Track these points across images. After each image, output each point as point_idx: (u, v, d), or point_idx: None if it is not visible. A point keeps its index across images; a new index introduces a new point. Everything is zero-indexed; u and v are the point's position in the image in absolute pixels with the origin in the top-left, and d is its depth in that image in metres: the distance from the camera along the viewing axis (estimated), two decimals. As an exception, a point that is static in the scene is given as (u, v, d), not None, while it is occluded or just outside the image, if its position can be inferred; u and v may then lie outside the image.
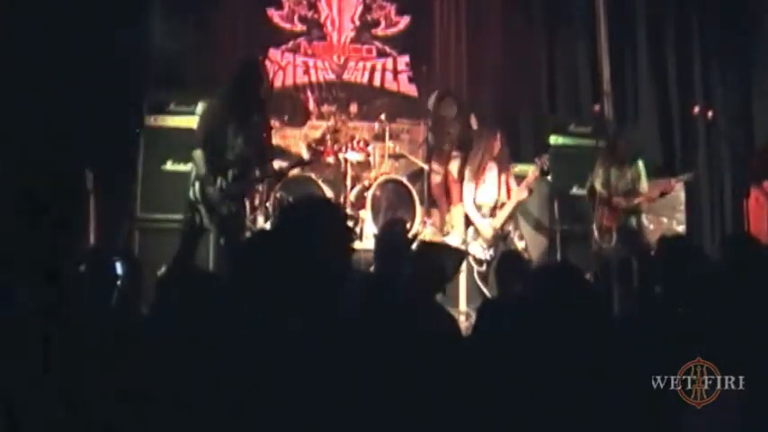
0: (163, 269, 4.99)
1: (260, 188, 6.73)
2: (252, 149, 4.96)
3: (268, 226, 6.46)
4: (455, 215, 7.07)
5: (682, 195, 7.17)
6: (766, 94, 7.74)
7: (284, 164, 7.14)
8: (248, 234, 5.57)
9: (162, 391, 1.94)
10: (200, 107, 5.70)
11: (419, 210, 6.79)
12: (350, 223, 5.74)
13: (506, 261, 4.24)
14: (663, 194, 6.56)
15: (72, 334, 2.48)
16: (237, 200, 4.95)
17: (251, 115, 4.97)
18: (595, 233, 6.22)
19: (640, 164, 6.40)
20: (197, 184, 4.90)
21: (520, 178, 6.52)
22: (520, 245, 6.12)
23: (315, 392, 1.78)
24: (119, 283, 3.43)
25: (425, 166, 7.26)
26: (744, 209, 6.63)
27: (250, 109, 4.96)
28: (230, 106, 4.95)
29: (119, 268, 3.51)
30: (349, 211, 6.54)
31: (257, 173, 5.10)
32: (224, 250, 5.09)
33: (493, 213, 6.14)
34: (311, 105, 7.75)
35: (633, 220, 6.30)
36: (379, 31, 8.10)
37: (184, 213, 5.00)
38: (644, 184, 6.36)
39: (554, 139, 7.10)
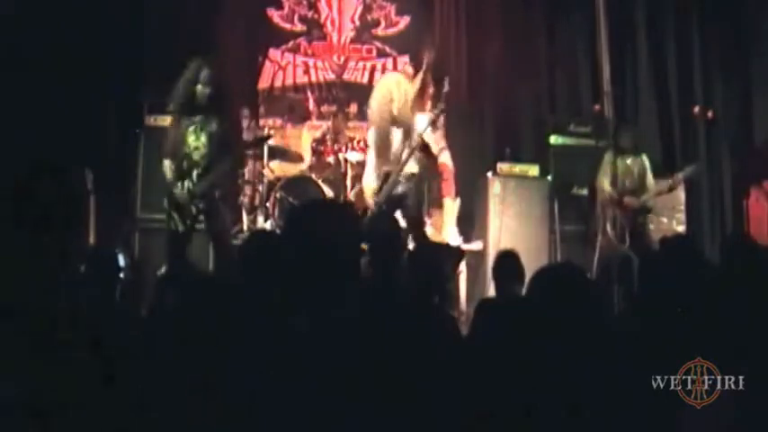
0: (162, 269, 5.00)
1: (259, 188, 6.75)
2: (215, 147, 4.98)
3: (268, 226, 6.47)
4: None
5: (682, 195, 7.17)
6: (766, 94, 7.74)
7: (284, 164, 7.17)
8: (249, 233, 5.57)
9: (163, 391, 1.95)
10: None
11: (418, 210, 6.77)
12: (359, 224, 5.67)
13: (504, 261, 4.22)
14: (671, 189, 6.45)
15: (75, 330, 2.48)
16: (205, 198, 4.97)
17: (209, 115, 4.97)
18: (609, 234, 6.15)
19: (645, 158, 6.36)
20: (167, 193, 4.99)
21: (519, 177, 6.54)
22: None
23: (312, 392, 1.78)
24: (121, 275, 3.44)
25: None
26: (744, 209, 6.62)
27: (207, 109, 4.97)
28: (186, 110, 4.99)
29: (121, 260, 3.52)
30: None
31: (223, 168, 5.12)
32: (212, 251, 5.13)
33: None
34: (311, 105, 7.77)
35: (645, 220, 6.24)
36: (379, 31, 8.10)
37: (165, 224, 5.04)
38: (650, 179, 6.31)
39: (554, 139, 7.10)
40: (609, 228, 6.17)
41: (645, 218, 6.27)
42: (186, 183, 4.93)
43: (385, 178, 5.32)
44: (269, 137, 6.60)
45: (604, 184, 6.25)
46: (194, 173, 4.95)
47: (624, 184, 6.22)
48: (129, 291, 3.78)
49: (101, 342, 2.31)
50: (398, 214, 5.38)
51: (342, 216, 2.11)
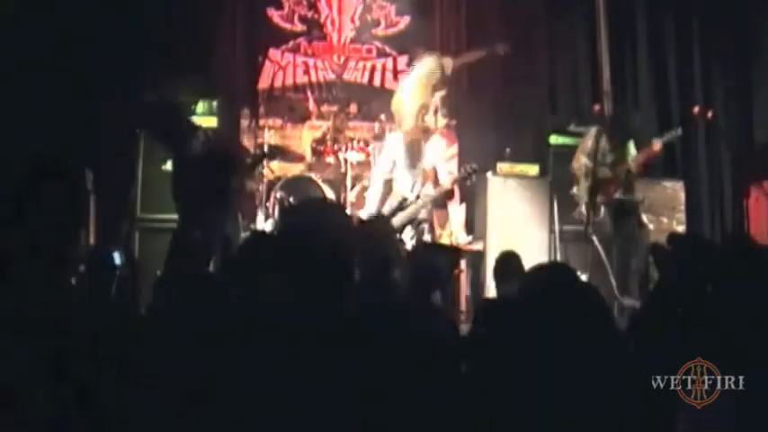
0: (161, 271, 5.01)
1: (260, 188, 6.75)
2: (219, 205, 5.06)
3: (268, 226, 6.47)
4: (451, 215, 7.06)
5: (682, 195, 7.17)
6: (766, 95, 7.74)
7: (284, 164, 7.17)
8: (247, 234, 5.57)
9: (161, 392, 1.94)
10: (200, 106, 5.76)
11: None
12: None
13: (504, 261, 4.22)
14: (648, 159, 6.11)
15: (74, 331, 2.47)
16: (211, 250, 4.99)
17: (213, 177, 5.05)
18: (582, 209, 5.94)
19: (631, 145, 6.12)
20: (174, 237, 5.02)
21: (519, 177, 6.56)
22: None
23: (310, 393, 1.78)
24: (118, 273, 3.44)
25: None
26: (744, 209, 6.61)
27: (211, 172, 5.05)
28: (191, 171, 5.07)
29: (117, 258, 3.52)
30: (348, 211, 6.54)
31: (229, 224, 5.20)
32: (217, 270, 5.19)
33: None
34: (311, 105, 7.77)
35: (623, 196, 5.98)
36: (379, 31, 8.10)
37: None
38: (632, 155, 6.06)
39: (554, 139, 7.10)
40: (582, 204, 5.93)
41: (625, 195, 5.97)
42: (195, 234, 4.93)
43: (399, 205, 5.82)
44: (263, 156, 6.59)
45: (581, 156, 6.06)
46: (201, 228, 4.93)
47: (604, 159, 5.96)
48: (126, 291, 3.77)
49: (99, 342, 2.31)
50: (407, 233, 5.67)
51: (334, 216, 2.11)
